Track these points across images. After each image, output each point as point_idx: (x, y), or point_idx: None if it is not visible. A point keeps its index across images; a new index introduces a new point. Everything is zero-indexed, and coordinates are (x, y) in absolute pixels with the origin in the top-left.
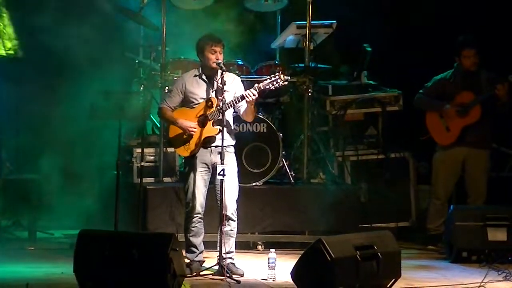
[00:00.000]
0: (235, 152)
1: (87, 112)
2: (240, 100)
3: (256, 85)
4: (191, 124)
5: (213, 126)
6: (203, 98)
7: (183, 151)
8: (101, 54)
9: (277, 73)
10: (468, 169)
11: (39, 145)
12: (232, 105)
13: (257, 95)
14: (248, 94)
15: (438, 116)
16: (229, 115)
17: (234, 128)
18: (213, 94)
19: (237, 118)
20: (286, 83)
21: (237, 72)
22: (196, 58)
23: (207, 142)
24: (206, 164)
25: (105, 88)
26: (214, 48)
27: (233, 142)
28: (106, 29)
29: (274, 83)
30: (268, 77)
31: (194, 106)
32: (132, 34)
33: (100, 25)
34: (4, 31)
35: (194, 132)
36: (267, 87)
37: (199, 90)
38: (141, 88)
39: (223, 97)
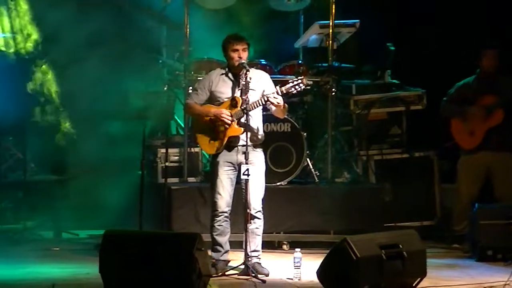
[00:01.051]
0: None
1: (111, 113)
2: (264, 103)
3: (278, 87)
4: (225, 111)
5: (237, 126)
6: (229, 97)
7: (208, 148)
8: (124, 54)
9: (299, 77)
10: (495, 172)
11: (63, 145)
12: (256, 106)
13: (281, 99)
14: (272, 99)
15: (461, 121)
16: (257, 113)
17: (261, 127)
18: (238, 93)
19: (265, 117)
20: (308, 87)
21: None
22: (220, 58)
23: (231, 142)
24: (232, 163)
25: (128, 88)
26: (236, 46)
27: (261, 141)
28: (128, 29)
29: (297, 87)
30: (291, 80)
31: (218, 104)
32: (155, 33)
33: (122, 24)
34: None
35: (228, 119)
36: (290, 90)
37: (225, 88)
38: (165, 88)
39: (247, 97)
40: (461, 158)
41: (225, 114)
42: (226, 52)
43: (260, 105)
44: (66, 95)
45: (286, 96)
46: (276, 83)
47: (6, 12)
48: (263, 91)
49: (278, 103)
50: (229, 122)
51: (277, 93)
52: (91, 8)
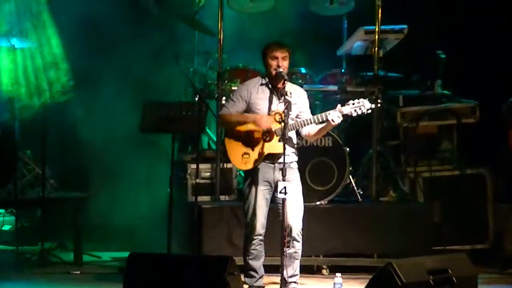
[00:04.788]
0: (298, 168)
1: (137, 125)
2: (323, 121)
3: (339, 107)
4: (266, 117)
5: (279, 142)
6: (267, 109)
7: (241, 164)
8: (152, 61)
9: (362, 99)
10: None
11: (85, 161)
12: (308, 123)
13: (341, 119)
14: (334, 117)
15: None
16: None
17: (297, 142)
18: (279, 106)
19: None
20: (370, 111)
21: (300, 81)
22: (256, 66)
23: (270, 159)
24: (268, 181)
25: (157, 98)
26: (276, 54)
27: (296, 158)
28: (158, 35)
29: (358, 110)
30: (352, 102)
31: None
32: (186, 39)
33: (151, 30)
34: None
35: (268, 126)
36: (349, 113)
37: (264, 100)
38: (196, 99)
39: (289, 111)
40: None
41: (266, 119)
42: (265, 59)
43: (313, 122)
44: (88, 106)
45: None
46: (316, 93)
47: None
48: (300, 108)
49: (337, 123)
50: (267, 126)
51: (341, 111)
52: (119, 11)
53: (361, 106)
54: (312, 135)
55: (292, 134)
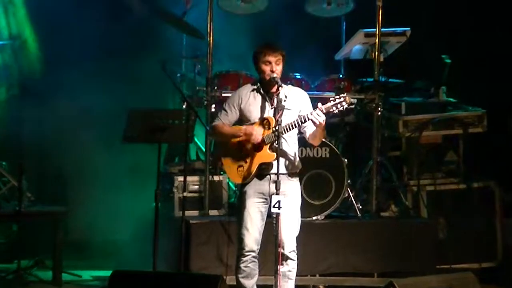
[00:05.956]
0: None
1: (120, 134)
2: (302, 123)
3: (320, 105)
4: (257, 128)
5: (269, 151)
6: (259, 116)
7: (236, 177)
8: (136, 66)
9: (341, 95)
10: None
11: (64, 173)
12: (291, 128)
13: (324, 117)
14: (315, 116)
15: None
16: (293, 137)
17: (297, 152)
18: (271, 113)
19: (299, 140)
20: (352, 105)
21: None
22: (248, 71)
23: (263, 170)
24: (262, 194)
25: (141, 106)
26: (269, 58)
27: (297, 169)
28: (142, 37)
29: (339, 105)
30: (332, 98)
31: (248, 125)
32: (174, 42)
33: (135, 31)
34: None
35: (258, 138)
36: (330, 110)
37: (256, 107)
38: (184, 106)
39: (280, 117)
40: None
41: (256, 132)
42: (257, 64)
43: (296, 126)
44: (68, 114)
45: (325, 115)
46: (312, 101)
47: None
48: (300, 111)
49: (320, 122)
50: (258, 141)
51: (321, 110)
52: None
53: (342, 101)
54: (311, 138)
55: (291, 142)
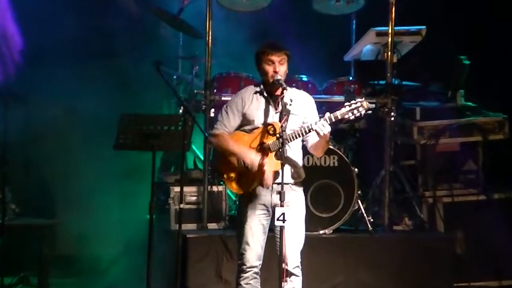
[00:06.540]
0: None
1: (112, 141)
2: (306, 133)
3: (328, 114)
4: (253, 157)
5: (275, 159)
6: (262, 121)
7: (237, 187)
8: (129, 67)
9: (358, 100)
10: None
11: (51, 183)
12: (296, 137)
13: (330, 128)
14: (319, 127)
15: None
16: (297, 143)
17: (301, 160)
18: (276, 118)
19: (304, 148)
20: (370, 111)
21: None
22: (249, 73)
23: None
24: (265, 205)
25: (134, 110)
26: (272, 57)
27: (301, 178)
28: (136, 36)
29: (355, 112)
30: (347, 104)
31: (249, 130)
32: (170, 42)
33: (129, 30)
34: None
35: (255, 167)
36: (346, 116)
37: (259, 111)
38: (180, 111)
39: (285, 123)
40: None
41: (252, 161)
42: (260, 64)
43: (300, 135)
44: (57, 119)
45: (339, 122)
46: (319, 105)
47: None
48: (305, 118)
49: (324, 133)
50: (255, 170)
51: (326, 120)
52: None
53: (359, 107)
54: (313, 148)
55: (296, 149)
